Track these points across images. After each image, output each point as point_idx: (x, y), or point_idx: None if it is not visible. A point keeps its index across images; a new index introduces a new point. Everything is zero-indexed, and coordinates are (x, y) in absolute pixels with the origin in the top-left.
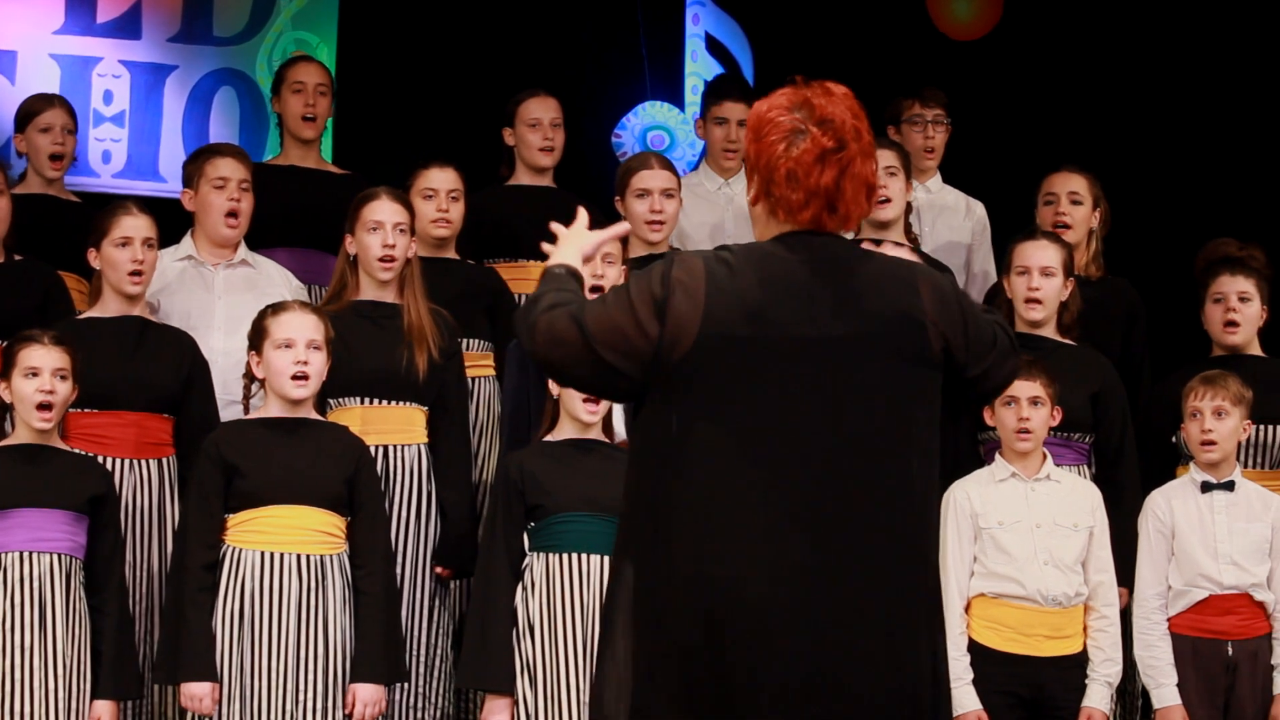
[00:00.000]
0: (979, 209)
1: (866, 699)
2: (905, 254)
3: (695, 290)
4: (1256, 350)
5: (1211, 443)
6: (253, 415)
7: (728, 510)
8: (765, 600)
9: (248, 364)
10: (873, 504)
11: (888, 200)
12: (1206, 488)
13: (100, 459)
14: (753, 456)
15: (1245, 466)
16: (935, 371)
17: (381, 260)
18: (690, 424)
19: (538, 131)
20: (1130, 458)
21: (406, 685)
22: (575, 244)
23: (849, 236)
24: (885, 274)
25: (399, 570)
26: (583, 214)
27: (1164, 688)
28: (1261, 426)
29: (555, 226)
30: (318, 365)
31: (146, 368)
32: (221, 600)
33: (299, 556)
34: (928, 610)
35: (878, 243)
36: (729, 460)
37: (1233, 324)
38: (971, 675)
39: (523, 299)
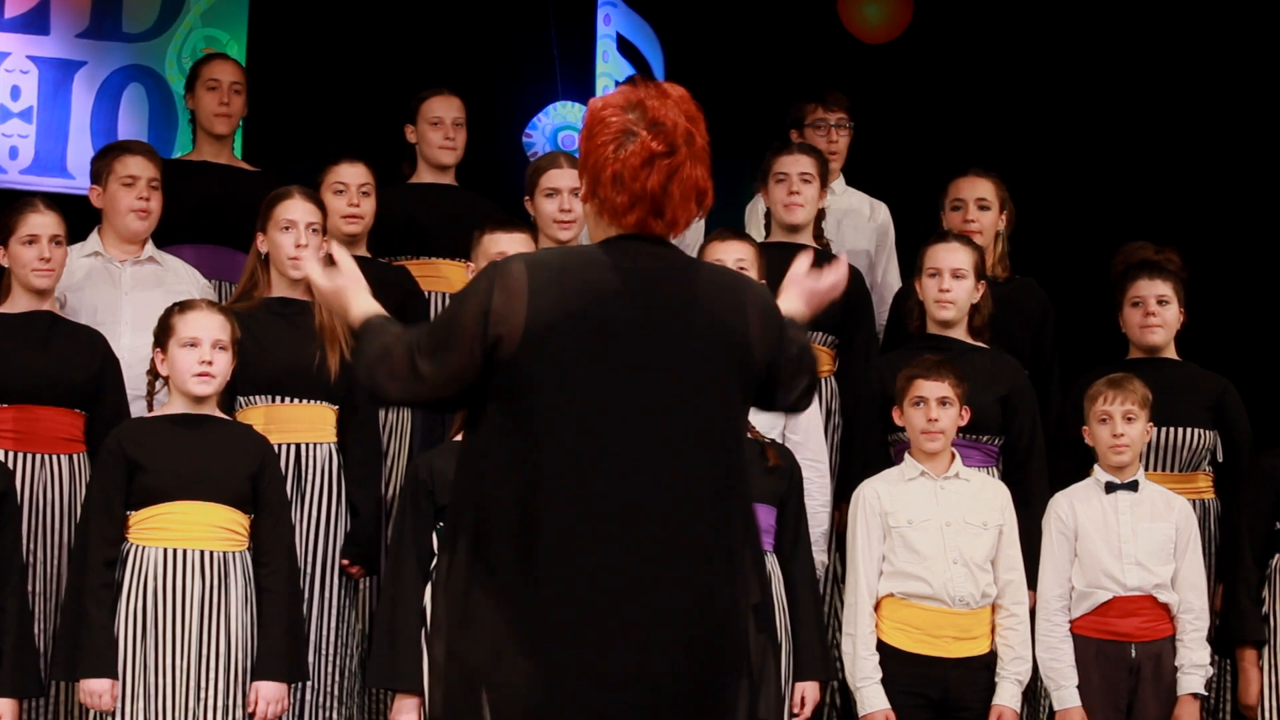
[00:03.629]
0: (883, 212)
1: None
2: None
3: (518, 296)
4: (1172, 353)
5: (1124, 446)
6: (156, 412)
7: (538, 509)
8: (558, 614)
9: (152, 361)
10: (672, 500)
11: (800, 205)
12: (1111, 488)
13: (0, 456)
14: (563, 460)
15: (1154, 469)
16: (750, 385)
17: (294, 259)
18: (506, 425)
19: (439, 130)
20: (1039, 461)
21: (316, 685)
22: (358, 288)
23: (760, 238)
24: (712, 285)
25: (309, 570)
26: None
27: (1064, 689)
28: (1172, 429)
29: (331, 260)
30: (222, 365)
31: (56, 363)
32: (124, 598)
33: (201, 553)
34: (735, 607)
35: (791, 248)
36: (541, 462)
37: (1152, 326)
38: (880, 675)
39: (433, 297)
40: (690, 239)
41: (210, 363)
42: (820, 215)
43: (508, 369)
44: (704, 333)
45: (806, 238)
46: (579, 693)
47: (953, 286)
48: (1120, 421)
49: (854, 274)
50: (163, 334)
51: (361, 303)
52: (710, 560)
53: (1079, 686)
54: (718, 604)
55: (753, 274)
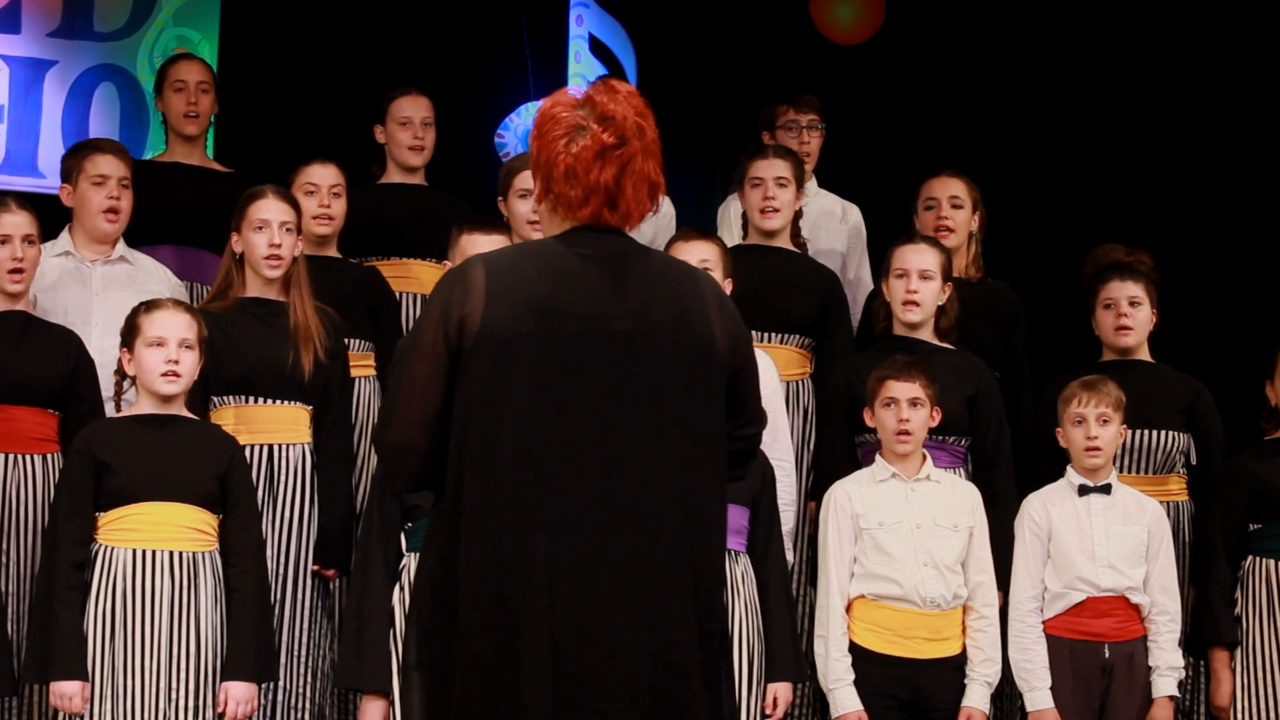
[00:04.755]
0: (855, 214)
1: (629, 695)
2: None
3: (476, 290)
4: (1145, 355)
5: (1098, 449)
6: (124, 413)
7: (501, 508)
8: (528, 601)
9: (119, 361)
10: (648, 497)
11: (776, 210)
12: (1084, 491)
13: None
14: (529, 452)
15: (1129, 471)
16: (719, 364)
17: (268, 259)
18: (472, 419)
19: (408, 130)
20: (1005, 461)
21: (287, 685)
22: None
23: (734, 240)
24: (668, 270)
25: (282, 570)
26: None
27: (1038, 691)
28: (1147, 432)
29: None
30: (189, 364)
31: (29, 362)
32: (93, 599)
33: (171, 554)
34: (704, 605)
35: (767, 250)
36: (506, 456)
37: (1124, 328)
38: (853, 676)
39: (404, 298)
40: (657, 237)
41: (177, 362)
42: (797, 216)
43: (465, 364)
44: (665, 321)
45: (783, 241)
46: None
47: (920, 288)
48: (1095, 424)
49: (830, 276)
50: (129, 334)
51: None
52: (668, 587)
53: (1054, 687)
54: (672, 646)
55: (718, 275)
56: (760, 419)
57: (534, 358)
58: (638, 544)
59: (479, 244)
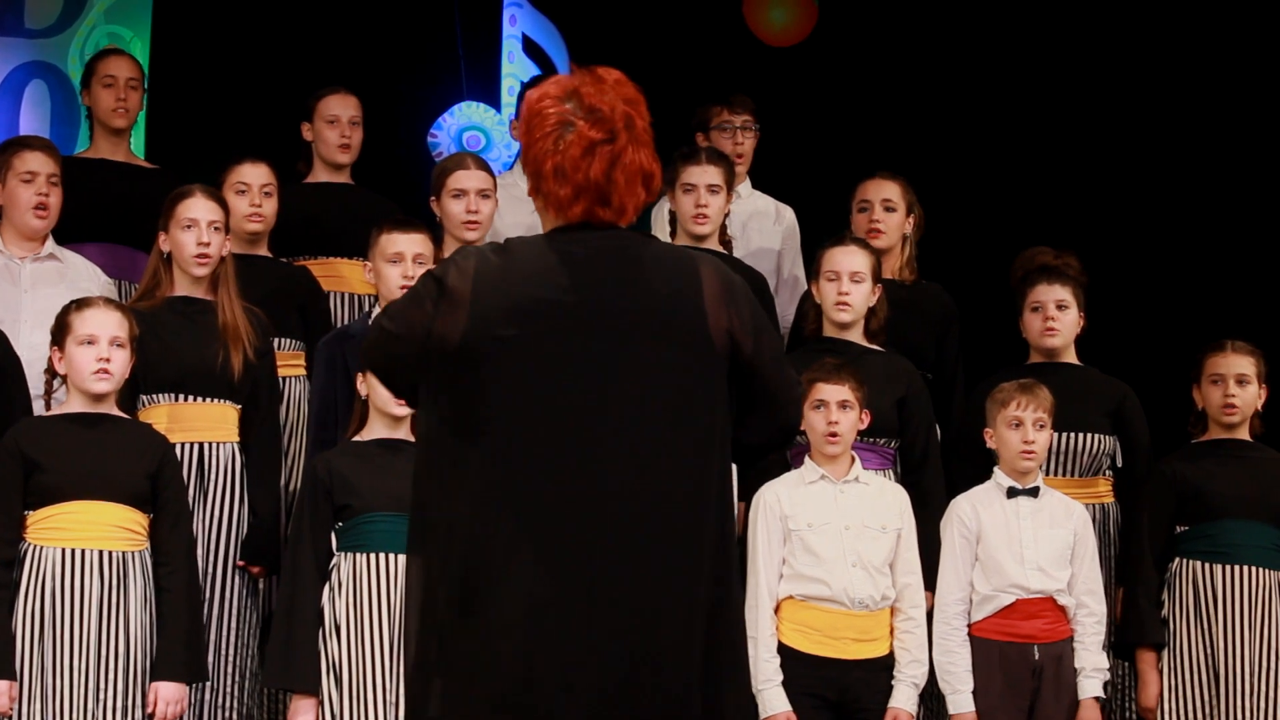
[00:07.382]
0: (789, 214)
1: (635, 697)
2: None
3: (464, 286)
4: (1072, 357)
5: (1033, 453)
6: (54, 411)
7: (493, 506)
8: (526, 604)
9: (49, 359)
10: (644, 492)
11: (707, 217)
12: (1012, 493)
13: None
14: (517, 451)
15: (1055, 474)
16: (715, 355)
17: (197, 258)
18: (456, 418)
19: (335, 128)
20: (934, 462)
21: (215, 685)
22: None
23: (665, 239)
24: (664, 260)
25: (210, 570)
26: None
27: (959, 694)
28: (1074, 434)
29: None
30: (120, 362)
31: None
32: (22, 598)
33: (100, 554)
34: (706, 600)
35: (698, 251)
36: (493, 455)
37: (1051, 330)
38: (781, 677)
39: (333, 296)
40: None
41: (108, 360)
42: (725, 216)
43: (452, 360)
44: (655, 312)
45: (712, 243)
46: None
47: (851, 290)
48: (1032, 428)
49: (757, 276)
50: (60, 332)
51: None
52: (677, 588)
53: (983, 689)
54: (672, 628)
55: None
56: (780, 420)
57: (515, 359)
58: (620, 538)
59: (398, 243)
